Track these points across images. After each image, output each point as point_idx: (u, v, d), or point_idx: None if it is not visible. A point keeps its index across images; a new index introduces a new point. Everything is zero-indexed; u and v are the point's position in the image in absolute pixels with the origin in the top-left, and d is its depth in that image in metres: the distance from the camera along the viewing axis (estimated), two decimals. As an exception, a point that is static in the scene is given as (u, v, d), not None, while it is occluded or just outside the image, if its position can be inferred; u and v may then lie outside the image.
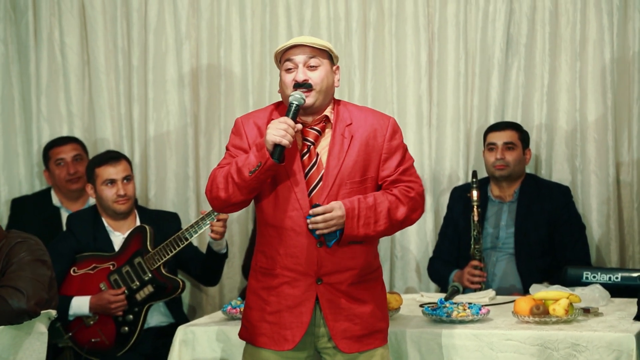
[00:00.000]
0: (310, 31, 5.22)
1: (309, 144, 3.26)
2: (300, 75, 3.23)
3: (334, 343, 3.27)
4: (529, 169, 4.95)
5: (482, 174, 4.90)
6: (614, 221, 4.96)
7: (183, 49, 5.34)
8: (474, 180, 4.69)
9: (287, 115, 3.17)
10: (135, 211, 4.71)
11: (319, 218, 3.17)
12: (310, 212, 3.17)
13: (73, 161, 5.12)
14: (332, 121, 3.29)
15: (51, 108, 5.45)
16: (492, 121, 5.03)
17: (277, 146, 3.11)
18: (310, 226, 3.18)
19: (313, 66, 3.25)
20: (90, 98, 5.45)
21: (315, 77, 3.23)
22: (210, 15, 5.33)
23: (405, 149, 3.34)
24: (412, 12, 5.15)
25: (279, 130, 3.11)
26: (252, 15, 5.29)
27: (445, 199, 5.08)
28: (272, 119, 3.23)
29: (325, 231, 3.18)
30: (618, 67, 4.98)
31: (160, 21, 5.35)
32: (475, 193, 4.66)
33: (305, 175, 3.24)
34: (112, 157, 4.66)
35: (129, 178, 4.63)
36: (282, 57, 3.28)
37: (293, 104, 3.19)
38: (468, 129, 5.15)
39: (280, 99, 3.35)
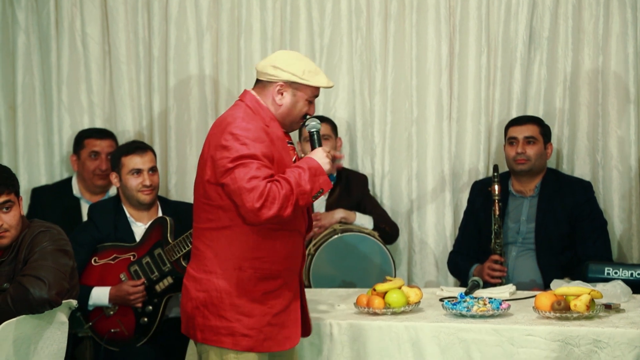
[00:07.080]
0: (331, 23, 5.21)
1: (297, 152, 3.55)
2: (314, 110, 3.51)
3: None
4: (550, 164, 4.92)
5: (503, 168, 4.88)
6: (636, 217, 4.93)
7: (204, 39, 5.34)
8: (495, 174, 4.67)
9: (316, 145, 3.46)
10: (158, 202, 4.71)
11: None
12: None
13: (107, 158, 5.08)
14: None
15: (72, 98, 5.46)
16: (513, 115, 5.01)
17: None
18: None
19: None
20: (111, 88, 5.46)
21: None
22: (231, 6, 5.33)
23: None
24: (433, 5, 5.13)
25: (330, 163, 3.37)
26: (273, 7, 5.28)
27: (464, 194, 5.06)
28: (267, 126, 3.37)
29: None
30: (641, 62, 4.96)
31: (181, 12, 5.35)
32: (496, 187, 4.65)
33: None
34: (139, 147, 4.64)
35: (154, 169, 4.62)
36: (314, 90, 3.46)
37: (313, 131, 3.48)
38: (489, 123, 5.13)
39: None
